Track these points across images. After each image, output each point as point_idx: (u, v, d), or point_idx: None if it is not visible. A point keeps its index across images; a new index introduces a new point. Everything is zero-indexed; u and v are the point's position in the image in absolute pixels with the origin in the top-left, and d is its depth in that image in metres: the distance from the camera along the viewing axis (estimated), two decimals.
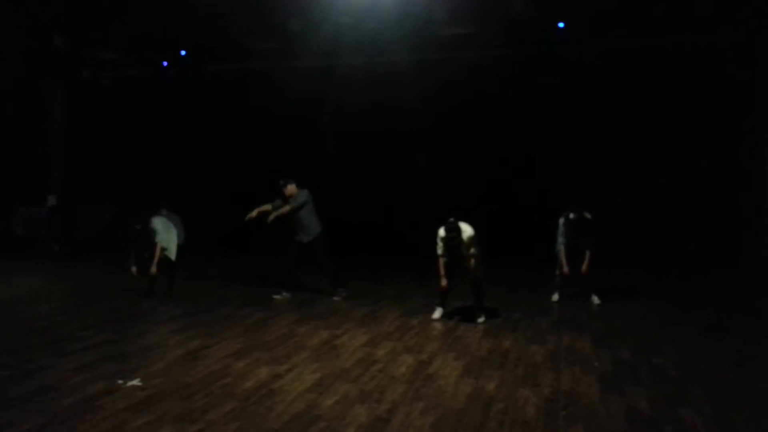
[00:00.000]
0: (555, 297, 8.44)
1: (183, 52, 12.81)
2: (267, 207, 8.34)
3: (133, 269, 8.11)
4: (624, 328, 6.97)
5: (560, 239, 8.20)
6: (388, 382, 5.09)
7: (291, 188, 8.36)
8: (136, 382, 4.98)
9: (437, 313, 7.42)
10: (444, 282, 7.27)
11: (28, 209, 13.72)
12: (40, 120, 14.39)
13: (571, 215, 8.08)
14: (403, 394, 4.79)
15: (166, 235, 8.23)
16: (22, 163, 13.88)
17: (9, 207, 13.59)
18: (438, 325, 7.11)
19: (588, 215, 8.10)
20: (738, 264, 10.29)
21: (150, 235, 8.07)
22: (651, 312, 7.82)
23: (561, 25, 10.60)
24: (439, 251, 7.22)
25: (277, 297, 8.41)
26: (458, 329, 6.91)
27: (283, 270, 8.63)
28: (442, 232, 7.10)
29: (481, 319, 7.19)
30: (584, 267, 8.03)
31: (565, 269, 8.14)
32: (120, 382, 4.97)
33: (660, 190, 11.17)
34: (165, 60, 13.26)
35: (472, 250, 7.09)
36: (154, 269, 8.12)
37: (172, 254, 8.30)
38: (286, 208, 8.23)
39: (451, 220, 7.05)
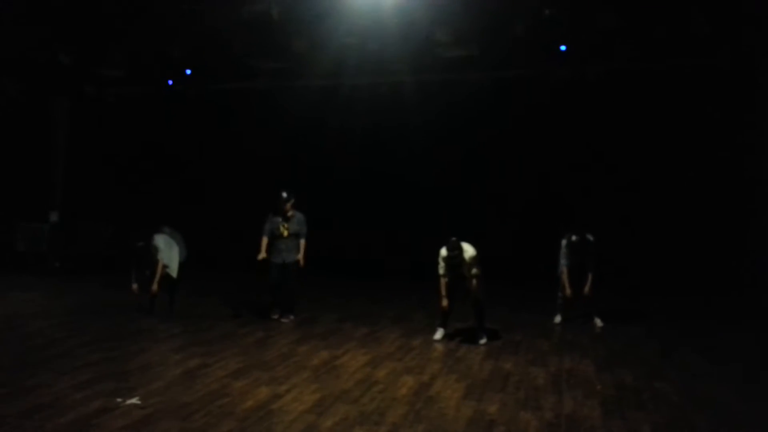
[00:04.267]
0: (557, 319, 8.40)
1: (188, 71, 12.89)
2: (265, 241, 8.21)
3: (135, 286, 8.09)
4: (626, 352, 6.93)
5: (563, 261, 8.17)
6: (389, 403, 5.04)
7: (291, 206, 8.23)
8: (134, 400, 4.94)
9: (438, 334, 7.38)
10: (445, 302, 7.24)
11: (30, 225, 13.70)
12: (44, 136, 14.44)
13: (574, 237, 8.07)
14: (404, 416, 4.74)
15: (168, 252, 8.22)
16: (25, 178, 13.91)
17: (10, 222, 13.58)
18: (439, 346, 7.07)
19: (590, 237, 8.10)
20: (741, 287, 10.23)
21: (152, 252, 8.06)
22: (654, 335, 7.79)
23: (563, 48, 10.68)
24: (441, 271, 7.19)
25: (285, 320, 8.20)
26: (459, 350, 6.87)
27: (278, 293, 8.40)
28: (443, 251, 7.09)
29: (482, 341, 7.14)
30: (587, 289, 8.01)
31: (568, 291, 8.11)
32: (118, 400, 4.93)
33: (662, 212, 11.15)
34: (170, 78, 13.35)
35: (474, 270, 7.06)
36: (155, 287, 8.09)
37: (174, 272, 8.28)
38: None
39: (453, 239, 7.03)
